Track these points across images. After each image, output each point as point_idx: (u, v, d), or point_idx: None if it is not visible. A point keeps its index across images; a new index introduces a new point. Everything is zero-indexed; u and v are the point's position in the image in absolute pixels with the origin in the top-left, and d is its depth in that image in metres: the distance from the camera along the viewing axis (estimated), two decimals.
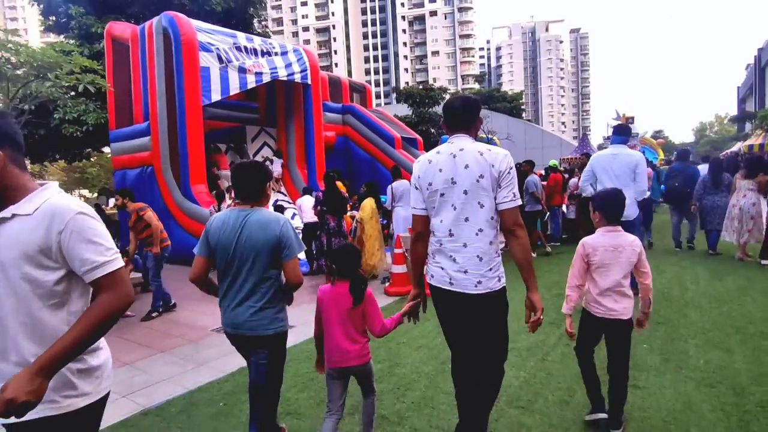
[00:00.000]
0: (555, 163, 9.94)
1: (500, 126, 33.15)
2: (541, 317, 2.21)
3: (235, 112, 12.86)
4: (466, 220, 2.20)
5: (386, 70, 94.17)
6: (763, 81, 54.81)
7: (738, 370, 3.40)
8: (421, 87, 32.32)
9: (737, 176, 7.30)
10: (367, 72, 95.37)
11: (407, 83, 32.60)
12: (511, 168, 2.20)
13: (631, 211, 5.04)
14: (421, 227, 2.36)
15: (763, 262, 6.60)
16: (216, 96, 9.90)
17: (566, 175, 10.77)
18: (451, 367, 2.46)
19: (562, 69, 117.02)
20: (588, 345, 2.75)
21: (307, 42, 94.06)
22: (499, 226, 2.23)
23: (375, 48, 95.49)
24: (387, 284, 6.53)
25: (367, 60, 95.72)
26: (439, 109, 30.66)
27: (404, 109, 31.49)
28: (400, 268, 6.27)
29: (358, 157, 14.97)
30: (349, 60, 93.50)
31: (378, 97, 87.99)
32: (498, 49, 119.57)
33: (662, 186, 9.27)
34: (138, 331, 5.17)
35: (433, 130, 28.42)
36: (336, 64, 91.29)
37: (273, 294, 2.36)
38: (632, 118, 28.21)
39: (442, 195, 2.24)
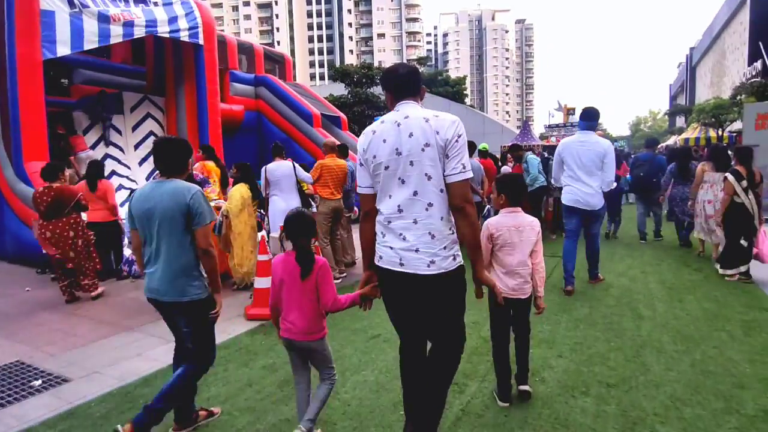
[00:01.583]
0: (485, 146, 8.49)
1: (441, 109, 31.96)
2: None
3: (117, 77, 10.56)
4: (415, 194, 2.04)
5: (331, 51, 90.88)
6: (693, 79, 57.64)
7: None
8: (358, 65, 30.43)
9: (704, 168, 6.35)
10: (311, 52, 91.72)
11: (352, 65, 30.55)
12: (459, 136, 2.03)
13: (596, 201, 4.88)
14: (368, 206, 2.23)
15: (722, 270, 5.54)
16: (64, 49, 7.64)
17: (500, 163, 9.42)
18: (401, 355, 2.32)
19: (507, 59, 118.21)
20: (500, 325, 2.82)
21: (248, 17, 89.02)
22: None
23: (320, 27, 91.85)
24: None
25: (311, 39, 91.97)
26: (377, 90, 29.09)
27: (341, 89, 29.55)
28: (265, 282, 4.53)
29: (272, 135, 12.99)
30: (292, 38, 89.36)
31: (322, 78, 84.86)
32: (445, 35, 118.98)
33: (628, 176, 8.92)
34: None
35: (370, 111, 26.61)
36: (278, 42, 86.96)
37: (188, 262, 2.40)
38: (573, 109, 28.15)
39: (387, 168, 2.09)
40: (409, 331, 2.26)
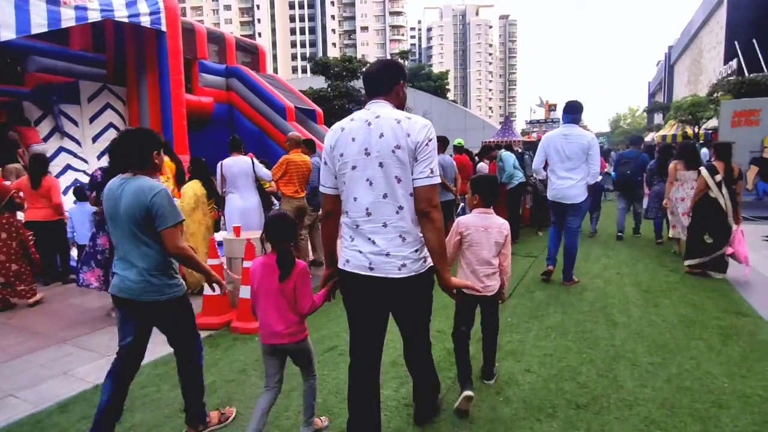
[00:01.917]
0: (461, 141, 8.19)
1: (424, 104, 31.69)
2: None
3: (76, 65, 9.95)
4: (385, 196, 1.98)
5: (313, 44, 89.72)
6: (671, 77, 58.49)
7: None
8: (338, 58, 29.91)
9: (677, 167, 6.33)
10: (293, 44, 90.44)
11: (333, 58, 30.04)
12: (430, 140, 1.97)
13: (576, 193, 4.86)
14: (331, 206, 2.18)
15: (685, 262, 5.62)
16: (8, 34, 7.06)
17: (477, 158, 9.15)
18: (350, 373, 2.22)
19: (490, 54, 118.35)
20: (463, 321, 2.80)
21: (228, 8, 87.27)
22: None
23: (302, 19, 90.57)
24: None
25: (293, 32, 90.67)
26: (358, 83, 28.63)
27: (321, 82, 29.02)
28: (248, 291, 4.09)
29: (244, 129, 12.53)
30: (273, 30, 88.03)
31: (304, 71, 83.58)
32: (429, 29, 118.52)
33: (613, 173, 8.97)
34: None
35: (350, 105, 26.15)
36: (259, 34, 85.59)
37: (159, 262, 2.30)
38: (554, 105, 28.26)
39: (354, 168, 2.01)
40: (367, 343, 2.18)
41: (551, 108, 28.46)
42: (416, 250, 2.00)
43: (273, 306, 2.23)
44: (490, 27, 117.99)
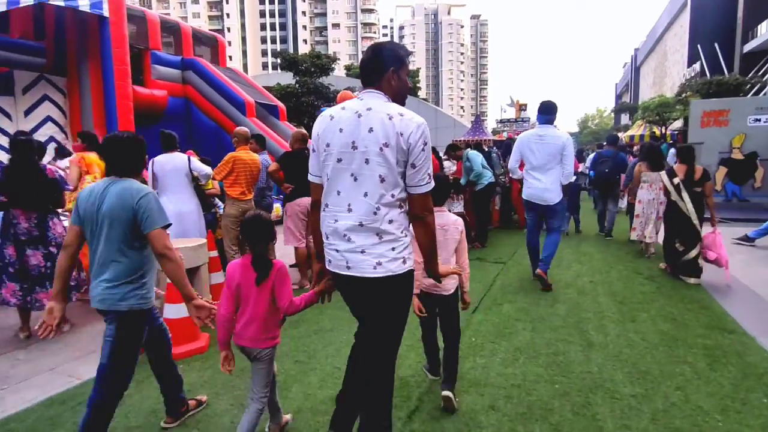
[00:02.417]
0: None
1: None
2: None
3: (12, 54, 9.04)
4: (365, 195, 1.86)
5: (284, 40, 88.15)
6: (637, 79, 59.80)
7: None
8: (307, 54, 29.13)
9: (641, 168, 6.40)
10: (263, 41, 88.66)
11: (301, 54, 29.27)
12: (425, 143, 1.85)
13: (552, 196, 4.82)
14: (317, 196, 2.06)
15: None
16: None
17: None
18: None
19: (462, 54, 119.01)
20: (427, 320, 2.77)
21: (195, 1, 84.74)
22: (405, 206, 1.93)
23: (272, 15, 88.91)
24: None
25: (263, 27, 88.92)
26: (327, 80, 27.94)
27: (290, 78, 28.18)
28: (173, 310, 3.50)
29: (201, 124, 11.86)
30: (243, 26, 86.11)
31: (275, 68, 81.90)
32: (401, 28, 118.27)
33: (590, 172, 8.98)
34: None
35: (319, 102, 25.44)
36: (228, 29, 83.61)
37: (132, 268, 2.23)
38: (525, 105, 28.25)
39: (339, 161, 1.90)
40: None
41: (522, 108, 28.50)
42: (393, 249, 1.88)
43: (249, 309, 2.17)
44: (462, 26, 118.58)
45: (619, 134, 31.39)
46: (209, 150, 9.98)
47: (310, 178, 2.07)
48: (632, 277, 5.46)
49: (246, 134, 5.07)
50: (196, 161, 4.68)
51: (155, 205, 2.21)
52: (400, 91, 1.97)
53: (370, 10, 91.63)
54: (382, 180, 1.84)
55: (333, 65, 29.05)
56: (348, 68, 42.22)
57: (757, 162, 9.84)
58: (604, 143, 10.92)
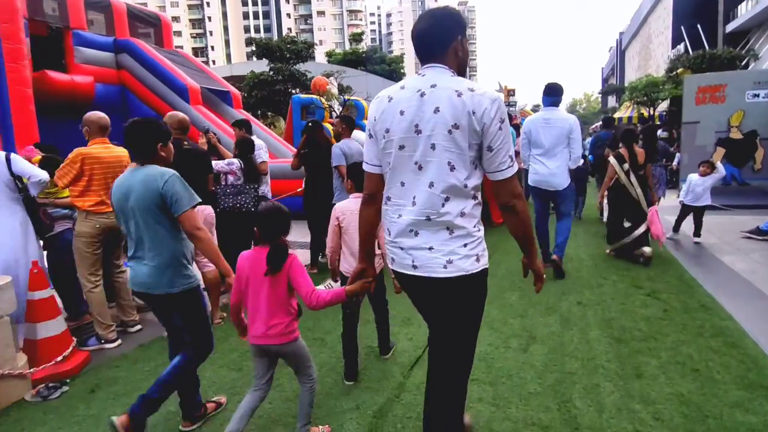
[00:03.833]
0: None
1: (376, 88, 29.82)
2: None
3: None
4: (431, 185, 1.65)
5: (268, 29, 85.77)
6: (623, 62, 58.96)
7: None
8: (282, 39, 27.55)
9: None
10: (247, 29, 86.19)
11: (278, 40, 27.74)
12: (502, 121, 1.61)
13: (561, 180, 4.75)
14: (373, 187, 1.85)
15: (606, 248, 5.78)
16: None
17: None
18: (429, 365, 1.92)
19: None
20: (347, 305, 2.76)
21: None
22: (480, 196, 1.72)
23: (255, 2, 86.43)
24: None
25: (246, 16, 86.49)
26: (303, 66, 26.36)
27: (263, 66, 26.59)
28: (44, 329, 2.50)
29: (140, 113, 10.34)
30: (224, 14, 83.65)
31: (260, 58, 79.42)
32: (389, 15, 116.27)
33: (590, 156, 8.72)
34: None
35: (295, 90, 23.95)
36: (209, 18, 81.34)
37: (173, 252, 2.29)
38: (513, 90, 27.38)
39: (402, 147, 1.69)
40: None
41: (510, 93, 27.58)
42: (465, 245, 1.65)
43: (264, 304, 2.09)
44: None
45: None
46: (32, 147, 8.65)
47: (366, 167, 1.85)
48: (630, 293, 4.28)
49: (100, 121, 3.71)
50: (22, 162, 3.35)
51: (181, 187, 2.24)
52: (464, 62, 1.75)
53: None
54: (452, 168, 1.62)
55: (310, 51, 27.49)
56: (329, 54, 40.65)
57: (757, 141, 8.81)
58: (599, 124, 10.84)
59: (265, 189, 5.28)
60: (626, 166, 5.27)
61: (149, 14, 11.82)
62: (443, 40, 1.69)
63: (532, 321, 3.69)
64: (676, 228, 6.35)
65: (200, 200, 2.31)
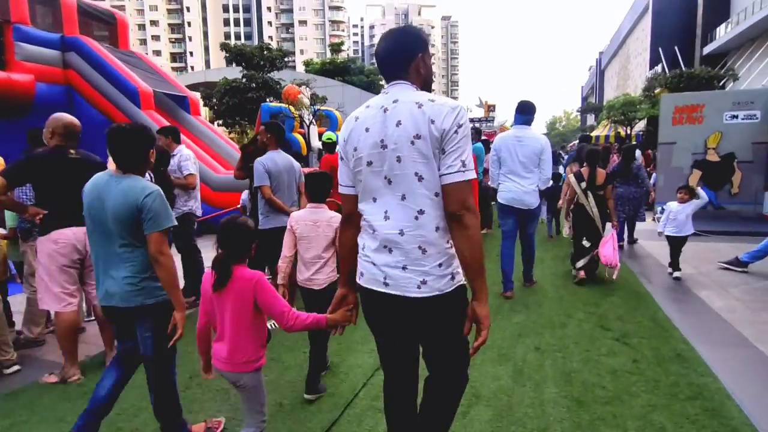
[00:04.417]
0: (331, 136, 5.83)
1: (354, 99, 29.33)
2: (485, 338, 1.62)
3: None
4: (403, 198, 1.63)
5: (249, 36, 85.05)
6: (602, 82, 59.92)
7: None
8: (255, 46, 26.93)
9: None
10: (227, 36, 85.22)
11: (252, 47, 27.16)
12: (460, 126, 1.58)
13: (532, 199, 4.74)
14: (349, 209, 1.83)
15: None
16: None
17: None
18: (384, 394, 1.92)
19: (433, 55, 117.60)
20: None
21: None
22: None
23: (236, 9, 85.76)
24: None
25: (226, 23, 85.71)
26: (277, 74, 25.78)
27: (238, 73, 25.90)
28: None
29: (88, 116, 9.63)
30: (204, 20, 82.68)
31: (231, 64, 78.27)
32: (371, 27, 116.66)
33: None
34: None
35: (269, 99, 23.31)
36: (189, 23, 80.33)
37: (140, 265, 2.20)
38: (494, 106, 27.34)
39: (369, 164, 1.68)
40: (396, 364, 1.86)
41: (490, 108, 27.61)
42: (440, 264, 1.61)
43: (227, 327, 1.96)
44: (433, 27, 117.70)
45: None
46: (98, 148, 7.94)
47: (341, 189, 1.81)
48: (597, 336, 3.77)
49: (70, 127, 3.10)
50: None
51: (162, 206, 2.16)
52: (429, 77, 1.73)
53: (338, 8, 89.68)
54: (420, 178, 1.58)
55: (285, 59, 26.92)
56: (307, 63, 40.15)
57: (735, 165, 8.54)
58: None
59: (193, 204, 4.66)
60: (584, 185, 5.28)
61: (103, 12, 11.11)
62: (405, 57, 1.69)
63: (479, 372, 3.13)
64: (675, 265, 5.51)
65: (175, 223, 2.22)
